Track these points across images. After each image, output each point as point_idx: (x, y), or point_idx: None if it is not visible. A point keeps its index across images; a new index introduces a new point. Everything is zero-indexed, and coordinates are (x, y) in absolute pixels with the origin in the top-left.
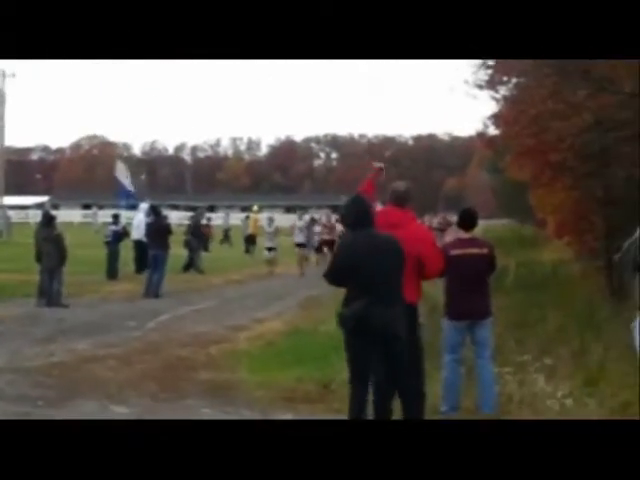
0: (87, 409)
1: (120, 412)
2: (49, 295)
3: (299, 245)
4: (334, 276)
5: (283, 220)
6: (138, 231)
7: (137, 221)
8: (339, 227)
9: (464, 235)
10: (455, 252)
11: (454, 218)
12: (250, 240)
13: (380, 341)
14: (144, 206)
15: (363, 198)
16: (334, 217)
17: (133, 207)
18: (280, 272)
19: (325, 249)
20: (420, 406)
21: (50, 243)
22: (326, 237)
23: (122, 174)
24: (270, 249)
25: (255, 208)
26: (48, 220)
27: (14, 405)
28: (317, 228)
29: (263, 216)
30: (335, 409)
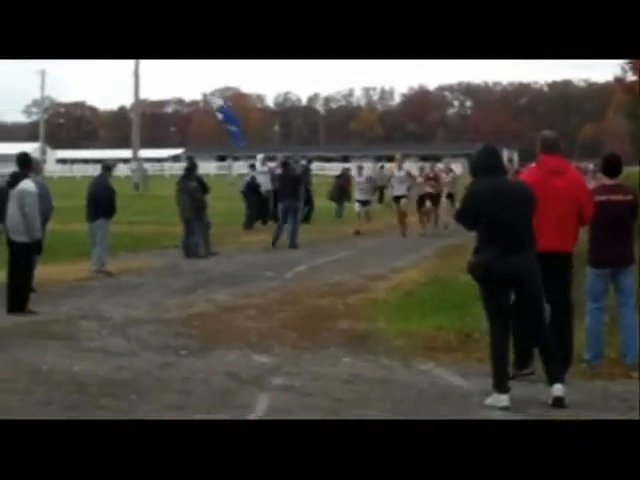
0: (229, 358)
1: (262, 361)
2: (187, 247)
3: (398, 198)
4: (463, 221)
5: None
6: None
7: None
8: (447, 178)
9: (609, 182)
10: (600, 198)
11: (589, 166)
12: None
13: (512, 288)
14: (260, 157)
15: (492, 147)
16: (440, 166)
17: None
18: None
19: (428, 203)
20: (568, 352)
21: (185, 195)
22: (430, 190)
23: (215, 102)
24: (363, 202)
25: (398, 156)
26: (186, 171)
27: (158, 355)
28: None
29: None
30: (476, 357)
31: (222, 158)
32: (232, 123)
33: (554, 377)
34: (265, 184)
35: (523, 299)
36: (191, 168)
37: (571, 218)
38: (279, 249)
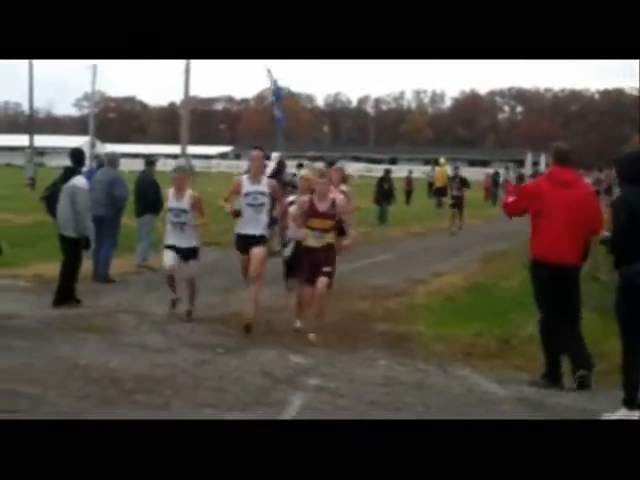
0: (266, 357)
1: (298, 361)
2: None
3: (247, 242)
4: (624, 241)
5: (467, 173)
6: None
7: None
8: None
9: None
10: None
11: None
12: (440, 192)
13: None
14: (275, 155)
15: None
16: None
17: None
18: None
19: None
20: None
21: None
22: (314, 244)
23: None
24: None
25: (442, 161)
26: (278, 168)
27: (195, 352)
28: None
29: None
30: (514, 365)
31: (268, 157)
32: (279, 106)
33: None
34: None
35: None
36: (282, 167)
37: (577, 230)
38: None
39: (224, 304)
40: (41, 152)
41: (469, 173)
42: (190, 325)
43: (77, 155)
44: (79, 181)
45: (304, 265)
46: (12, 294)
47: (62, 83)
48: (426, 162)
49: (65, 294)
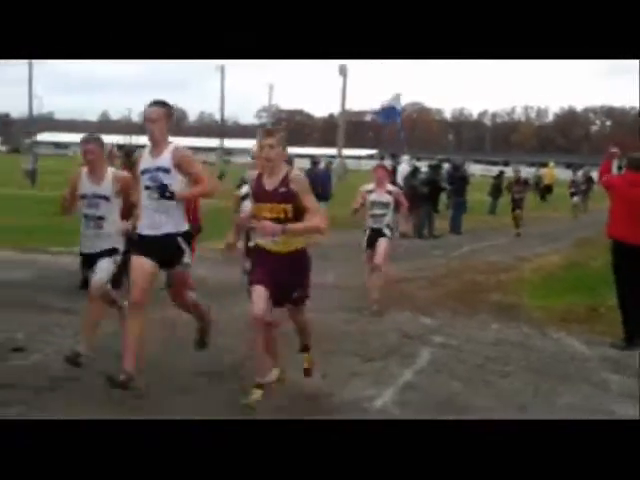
0: (400, 318)
1: (426, 322)
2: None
3: None
4: None
5: (564, 174)
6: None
7: (400, 170)
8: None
9: None
10: None
11: None
12: (547, 190)
13: None
14: (405, 158)
15: None
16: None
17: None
18: (557, 217)
19: None
20: None
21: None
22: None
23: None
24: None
25: (551, 164)
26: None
27: (343, 313)
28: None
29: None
30: (600, 330)
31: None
32: (388, 118)
33: None
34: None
35: None
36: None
37: None
38: (448, 234)
39: (361, 274)
40: (229, 152)
41: (566, 174)
42: (339, 292)
43: None
44: None
45: (257, 274)
46: (205, 263)
47: (247, 96)
48: (531, 165)
49: None
